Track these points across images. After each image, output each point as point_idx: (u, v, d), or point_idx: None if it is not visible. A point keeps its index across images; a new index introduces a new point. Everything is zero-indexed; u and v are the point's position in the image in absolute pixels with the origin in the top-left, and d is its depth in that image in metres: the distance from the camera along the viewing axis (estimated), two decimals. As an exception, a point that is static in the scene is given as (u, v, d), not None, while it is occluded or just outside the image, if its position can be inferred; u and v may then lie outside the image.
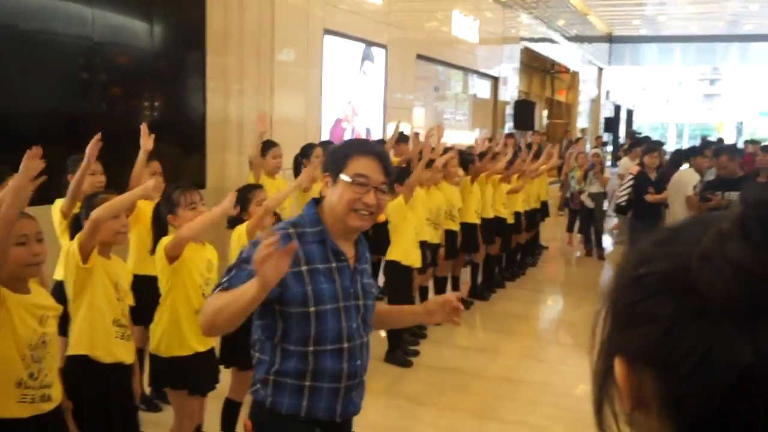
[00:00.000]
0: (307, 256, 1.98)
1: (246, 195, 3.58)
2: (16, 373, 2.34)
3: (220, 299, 1.88)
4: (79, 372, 2.75)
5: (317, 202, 2.10)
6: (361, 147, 2.13)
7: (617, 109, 26.90)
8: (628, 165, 9.44)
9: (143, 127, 4.09)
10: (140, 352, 3.55)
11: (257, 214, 3.49)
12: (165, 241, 3.05)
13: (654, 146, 8.02)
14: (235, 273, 1.93)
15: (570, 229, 10.63)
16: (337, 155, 2.07)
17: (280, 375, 2.01)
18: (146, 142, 4.08)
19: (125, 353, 2.89)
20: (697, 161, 7.09)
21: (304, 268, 1.94)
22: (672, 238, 0.59)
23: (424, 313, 2.25)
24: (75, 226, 2.95)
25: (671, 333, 0.54)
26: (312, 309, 1.97)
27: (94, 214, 2.68)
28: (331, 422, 2.06)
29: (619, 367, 0.58)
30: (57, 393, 2.52)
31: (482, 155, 7.23)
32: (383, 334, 5.29)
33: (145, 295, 3.63)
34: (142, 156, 4.07)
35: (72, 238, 2.92)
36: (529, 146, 9.73)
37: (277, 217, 3.72)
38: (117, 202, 2.80)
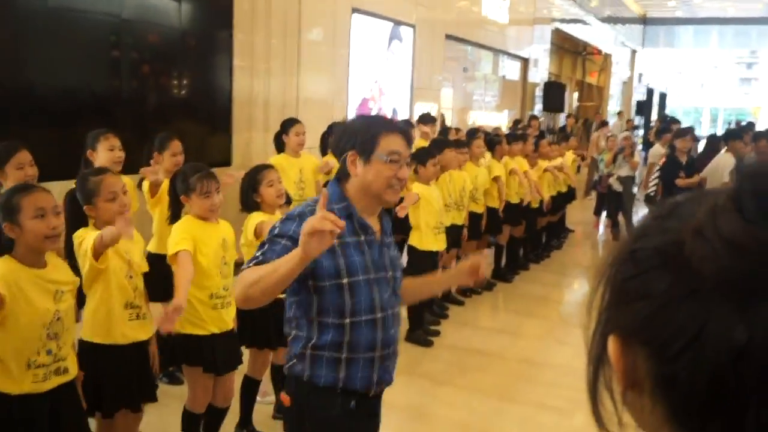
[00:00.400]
0: (352, 237, 2.06)
1: (255, 176, 3.51)
2: (26, 355, 2.37)
3: (255, 272, 1.89)
4: (95, 353, 2.78)
5: (338, 180, 2.14)
6: (387, 125, 2.15)
7: (650, 92, 26.45)
8: (659, 152, 9.25)
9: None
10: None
11: (271, 221, 3.47)
12: (176, 239, 3.03)
13: (686, 131, 7.90)
14: (268, 247, 1.96)
15: (597, 212, 10.52)
16: (364, 136, 2.07)
17: (317, 348, 2.05)
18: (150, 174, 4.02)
19: (141, 332, 2.89)
20: (736, 146, 6.95)
21: (335, 241, 1.92)
22: (671, 213, 0.57)
23: (445, 278, 2.37)
24: (72, 205, 2.87)
25: (664, 310, 0.52)
26: (345, 281, 2.02)
27: (99, 246, 2.57)
28: (366, 394, 2.11)
29: (613, 344, 0.57)
30: (73, 365, 2.56)
31: (512, 137, 7.20)
32: (404, 314, 5.31)
33: (168, 273, 3.68)
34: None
35: (69, 218, 2.81)
36: (562, 129, 9.63)
37: (288, 199, 3.72)
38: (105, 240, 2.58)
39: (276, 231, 1.99)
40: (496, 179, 6.55)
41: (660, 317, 0.52)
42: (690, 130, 8.29)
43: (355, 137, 2.07)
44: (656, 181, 7.57)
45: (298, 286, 2.02)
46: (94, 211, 2.78)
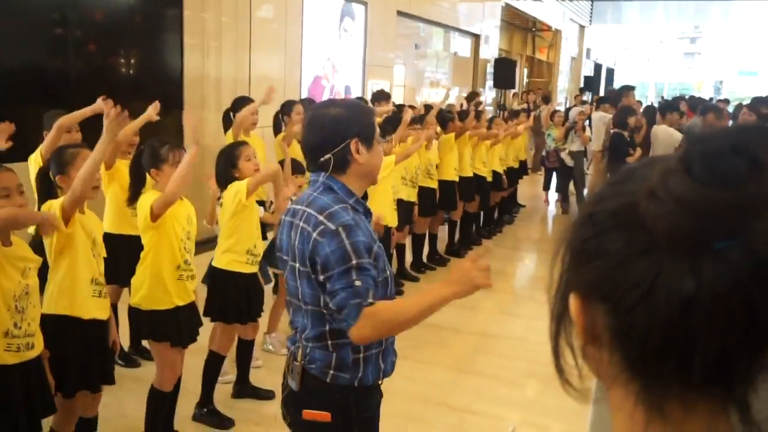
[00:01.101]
0: (366, 224, 2.03)
1: (233, 152, 3.60)
2: (3, 323, 2.42)
3: (390, 312, 1.90)
4: (59, 327, 2.79)
5: (324, 171, 2.05)
6: (370, 110, 2.21)
7: (597, 68, 26.86)
8: (603, 116, 9.30)
9: (156, 103, 4.23)
10: (113, 308, 3.58)
11: (259, 177, 3.54)
12: (149, 199, 3.06)
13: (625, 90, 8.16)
14: (359, 274, 1.88)
15: (546, 187, 10.72)
16: (365, 122, 2.05)
17: (369, 349, 2.03)
18: (153, 114, 4.19)
19: (101, 311, 2.92)
20: (673, 117, 7.19)
21: (375, 243, 2.01)
22: (626, 179, 0.61)
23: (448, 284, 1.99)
24: (43, 180, 2.94)
25: (620, 267, 0.56)
26: (387, 273, 2.06)
27: (78, 186, 2.63)
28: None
29: (573, 302, 0.61)
30: (39, 342, 2.60)
31: (463, 114, 7.27)
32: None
33: (120, 253, 3.66)
34: (138, 122, 4.11)
35: (41, 191, 2.92)
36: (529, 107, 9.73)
37: (298, 166, 3.95)
38: (93, 165, 2.70)
39: (353, 254, 1.88)
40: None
41: (616, 274, 0.56)
42: (629, 89, 8.56)
43: (355, 125, 2.01)
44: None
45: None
46: (66, 182, 2.86)
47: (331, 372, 2.00)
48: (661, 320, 0.54)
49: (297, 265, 1.99)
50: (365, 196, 2.17)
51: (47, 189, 2.93)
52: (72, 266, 2.80)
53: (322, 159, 2.00)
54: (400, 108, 8.02)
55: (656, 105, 12.01)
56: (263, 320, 4.68)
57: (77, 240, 2.78)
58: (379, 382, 2.11)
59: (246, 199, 3.50)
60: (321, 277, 1.91)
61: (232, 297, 3.63)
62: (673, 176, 0.55)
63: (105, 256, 3.00)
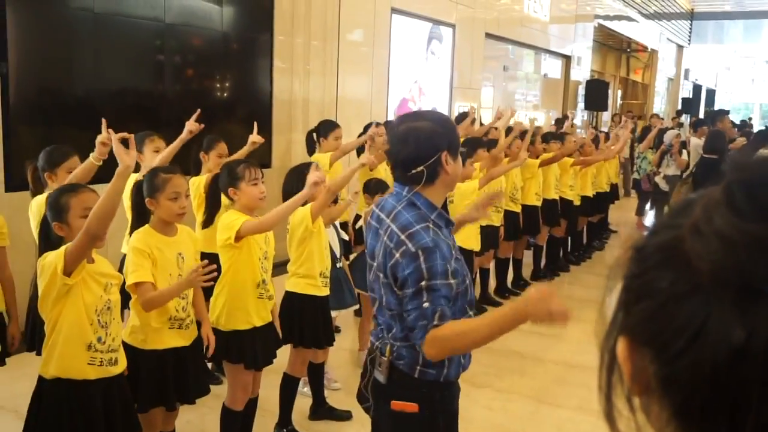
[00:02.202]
0: (447, 240, 2.13)
1: (305, 171, 3.60)
2: (86, 337, 2.49)
3: (454, 337, 1.98)
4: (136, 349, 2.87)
5: (407, 185, 2.16)
6: (453, 122, 2.36)
7: (697, 89, 25.86)
8: (697, 143, 9.06)
9: (197, 113, 4.12)
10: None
11: (320, 198, 3.49)
12: (233, 219, 3.12)
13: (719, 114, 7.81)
14: (429, 295, 1.99)
15: (640, 212, 10.34)
16: (453, 134, 2.18)
17: None
18: (193, 124, 4.07)
19: (178, 339, 2.96)
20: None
21: (452, 247, 2.15)
22: (682, 210, 0.55)
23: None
24: (136, 195, 2.96)
25: (664, 309, 0.51)
26: (468, 281, 2.20)
27: (93, 225, 2.33)
28: None
29: (621, 347, 0.56)
30: (123, 358, 2.66)
31: (549, 136, 7.13)
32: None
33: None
34: (179, 141, 4.02)
35: (134, 210, 2.98)
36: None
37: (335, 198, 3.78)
38: (107, 205, 2.37)
39: (426, 276, 1.99)
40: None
41: (662, 316, 0.51)
42: (723, 114, 8.17)
43: (445, 138, 2.13)
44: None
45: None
46: (154, 206, 2.89)
47: (419, 368, 2.14)
48: (708, 371, 0.48)
49: (380, 274, 2.14)
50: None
51: (141, 208, 2.96)
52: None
53: (414, 171, 2.11)
54: (463, 115, 7.94)
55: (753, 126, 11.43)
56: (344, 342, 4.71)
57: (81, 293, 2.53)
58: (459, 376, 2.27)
59: (312, 224, 3.49)
60: (399, 293, 2.06)
61: (309, 321, 3.63)
62: (716, 209, 0.50)
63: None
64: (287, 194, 3.58)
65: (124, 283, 2.75)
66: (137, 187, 2.99)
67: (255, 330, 3.21)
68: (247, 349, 3.20)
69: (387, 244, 2.09)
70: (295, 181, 3.57)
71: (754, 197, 0.48)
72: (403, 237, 2.04)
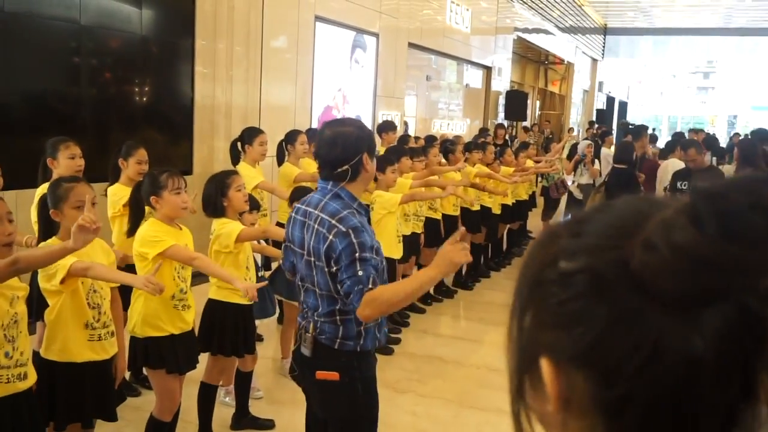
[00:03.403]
0: (369, 228, 2.47)
1: (224, 180, 3.55)
2: None
3: (384, 294, 2.34)
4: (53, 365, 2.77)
5: (332, 182, 2.49)
6: (370, 128, 2.56)
7: (610, 101, 26.92)
8: (607, 153, 9.52)
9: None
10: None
11: (252, 233, 3.68)
12: (146, 230, 3.09)
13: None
14: (362, 265, 2.33)
15: (545, 217, 10.61)
16: (371, 137, 2.58)
17: (368, 323, 2.49)
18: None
19: (98, 353, 2.88)
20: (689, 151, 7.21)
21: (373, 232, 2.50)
22: (589, 230, 0.57)
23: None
24: (43, 208, 2.87)
25: (609, 333, 0.52)
26: (384, 263, 2.53)
27: (22, 269, 2.47)
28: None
29: (546, 368, 0.57)
30: (32, 372, 2.55)
31: (471, 146, 7.29)
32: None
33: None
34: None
35: (40, 218, 2.88)
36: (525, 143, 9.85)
37: (255, 204, 3.80)
38: (38, 264, 2.60)
39: (358, 249, 2.34)
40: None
41: (606, 340, 0.52)
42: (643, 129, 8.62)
43: (366, 141, 2.50)
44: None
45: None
46: (60, 217, 2.79)
47: (339, 340, 2.46)
48: (668, 385, 0.50)
49: (312, 259, 2.44)
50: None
51: (47, 220, 2.85)
52: (62, 313, 2.77)
53: (340, 170, 2.45)
54: (405, 138, 8.05)
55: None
56: (267, 349, 4.68)
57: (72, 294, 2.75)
58: (376, 349, 2.60)
59: (234, 247, 3.48)
60: (334, 269, 2.36)
61: (229, 329, 3.59)
62: (679, 231, 0.51)
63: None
64: (207, 203, 3.55)
65: (34, 293, 2.65)
66: (42, 200, 2.89)
67: (173, 336, 3.17)
68: (167, 353, 3.15)
69: (319, 230, 2.40)
70: (213, 190, 3.52)
71: (726, 223, 0.51)
72: (333, 221, 2.38)
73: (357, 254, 2.32)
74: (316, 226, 2.42)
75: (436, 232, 6.48)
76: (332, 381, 2.47)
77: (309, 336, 2.49)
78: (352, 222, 2.37)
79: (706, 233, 0.51)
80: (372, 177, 2.64)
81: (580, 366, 0.54)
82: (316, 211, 2.44)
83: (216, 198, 3.50)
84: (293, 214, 2.58)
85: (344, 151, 2.44)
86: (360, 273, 2.32)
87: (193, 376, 3.42)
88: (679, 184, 6.07)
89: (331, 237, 2.36)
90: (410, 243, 5.80)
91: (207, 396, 3.66)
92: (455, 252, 2.31)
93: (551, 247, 0.58)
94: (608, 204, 0.59)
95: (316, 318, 2.48)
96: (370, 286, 2.31)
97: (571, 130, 15.05)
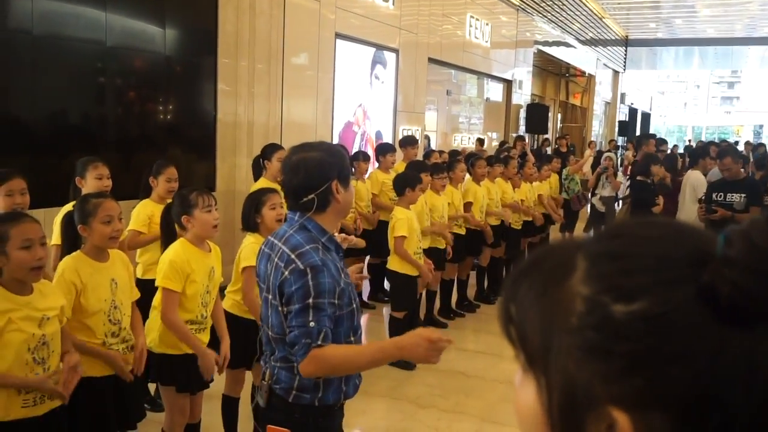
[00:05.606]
0: (336, 262, 2.18)
1: (260, 197, 3.58)
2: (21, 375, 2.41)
3: (336, 359, 2.07)
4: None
5: (300, 213, 2.20)
6: (345, 152, 2.36)
7: (632, 112, 26.76)
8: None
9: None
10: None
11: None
12: (170, 253, 3.14)
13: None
14: (315, 314, 2.05)
15: (564, 230, 10.56)
16: (344, 163, 2.26)
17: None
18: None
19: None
20: (705, 162, 7.15)
21: (340, 269, 2.19)
22: (640, 266, 0.55)
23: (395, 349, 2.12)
24: (68, 225, 2.95)
25: (713, 364, 0.51)
26: (354, 306, 2.21)
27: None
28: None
29: (621, 419, 0.54)
30: None
31: (494, 159, 7.30)
32: (387, 336, 5.34)
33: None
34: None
35: (64, 234, 2.96)
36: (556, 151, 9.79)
37: None
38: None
39: (312, 293, 2.04)
40: (467, 205, 6.62)
41: (704, 374, 0.51)
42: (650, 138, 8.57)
43: (335, 168, 2.19)
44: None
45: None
46: (87, 232, 2.86)
47: (294, 392, 2.16)
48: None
49: (269, 296, 2.17)
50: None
51: (71, 237, 2.94)
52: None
53: (305, 199, 2.16)
54: (429, 153, 8.07)
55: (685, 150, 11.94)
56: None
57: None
58: (341, 404, 2.27)
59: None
60: (285, 310, 2.08)
61: (239, 345, 3.57)
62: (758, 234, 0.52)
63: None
64: (243, 218, 3.58)
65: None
66: (68, 216, 2.96)
67: (188, 355, 3.19)
68: (178, 372, 3.19)
69: (278, 264, 2.12)
70: (249, 206, 3.57)
71: None
72: (293, 256, 2.09)
73: (310, 299, 2.04)
74: (276, 259, 2.14)
75: (459, 246, 6.48)
76: None
77: (264, 384, 2.22)
78: (312, 260, 2.07)
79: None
80: (346, 206, 2.26)
81: (664, 409, 0.52)
82: (280, 243, 2.16)
83: (250, 214, 3.55)
84: (262, 247, 2.30)
85: (308, 179, 2.15)
86: (311, 324, 2.03)
87: (214, 392, 3.44)
88: (714, 196, 6.01)
89: (286, 273, 2.08)
90: (433, 258, 5.79)
91: (228, 408, 3.70)
92: (430, 352, 2.03)
93: (567, 292, 0.57)
94: (635, 235, 0.58)
95: (273, 363, 2.21)
96: (319, 342, 2.02)
97: (592, 144, 14.97)
